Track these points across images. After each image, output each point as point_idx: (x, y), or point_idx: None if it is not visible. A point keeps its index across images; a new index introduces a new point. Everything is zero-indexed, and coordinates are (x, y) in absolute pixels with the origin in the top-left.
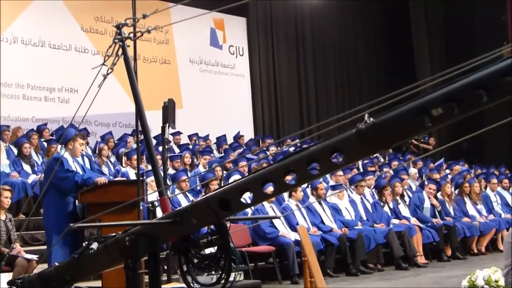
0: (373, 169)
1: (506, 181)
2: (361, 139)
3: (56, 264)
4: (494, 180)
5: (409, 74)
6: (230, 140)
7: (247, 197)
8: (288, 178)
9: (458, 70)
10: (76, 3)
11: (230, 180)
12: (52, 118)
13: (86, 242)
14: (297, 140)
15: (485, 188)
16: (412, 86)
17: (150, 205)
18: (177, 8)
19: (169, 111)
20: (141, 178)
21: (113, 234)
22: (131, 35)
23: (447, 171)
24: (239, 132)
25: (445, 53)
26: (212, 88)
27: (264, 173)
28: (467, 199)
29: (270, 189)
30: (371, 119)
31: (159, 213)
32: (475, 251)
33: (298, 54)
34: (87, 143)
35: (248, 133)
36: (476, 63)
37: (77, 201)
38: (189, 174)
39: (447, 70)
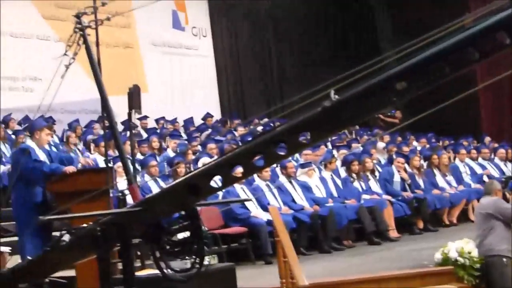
0: (342, 144)
1: (474, 151)
2: (327, 117)
3: (29, 258)
4: (463, 151)
5: (372, 50)
6: (197, 122)
7: (217, 179)
8: (257, 159)
9: (420, 43)
10: None
11: (199, 163)
12: (16, 107)
13: (58, 234)
14: (266, 119)
15: (454, 159)
16: (376, 60)
17: (120, 194)
18: None
19: (134, 97)
20: (109, 165)
21: (84, 225)
22: (92, 23)
23: (415, 143)
24: (208, 113)
25: (408, 27)
26: (177, 71)
27: (232, 156)
28: (436, 171)
29: (239, 170)
30: (336, 96)
31: (130, 201)
32: (447, 222)
33: (262, 33)
34: (54, 131)
35: (215, 114)
36: (437, 35)
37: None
38: (158, 159)
39: (410, 42)
